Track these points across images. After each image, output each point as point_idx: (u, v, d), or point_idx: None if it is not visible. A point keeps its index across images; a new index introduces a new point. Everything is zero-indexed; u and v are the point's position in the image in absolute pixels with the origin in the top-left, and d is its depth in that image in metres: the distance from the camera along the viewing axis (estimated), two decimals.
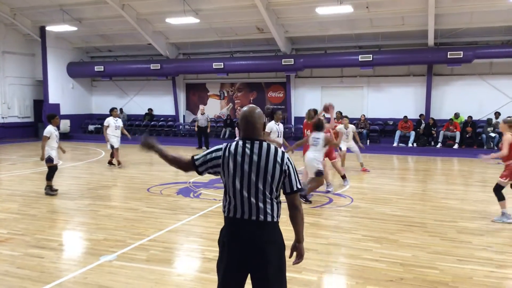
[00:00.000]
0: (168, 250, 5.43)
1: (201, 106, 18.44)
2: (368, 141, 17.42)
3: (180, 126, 21.46)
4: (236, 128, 19.70)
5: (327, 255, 5.18)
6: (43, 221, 6.67)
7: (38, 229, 6.20)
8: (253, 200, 2.72)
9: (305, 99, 19.79)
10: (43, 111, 19.95)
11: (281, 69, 18.92)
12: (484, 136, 16.12)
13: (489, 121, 16.32)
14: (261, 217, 2.73)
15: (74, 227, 6.56)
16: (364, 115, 18.08)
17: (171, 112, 22.03)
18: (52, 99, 21.02)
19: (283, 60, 18.43)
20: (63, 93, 21.68)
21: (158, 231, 6.08)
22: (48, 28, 19.88)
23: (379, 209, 7.41)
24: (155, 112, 22.29)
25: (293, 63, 18.26)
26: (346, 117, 12.22)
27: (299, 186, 2.83)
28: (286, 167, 2.76)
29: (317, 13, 15.77)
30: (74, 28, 19.05)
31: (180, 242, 5.75)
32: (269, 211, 2.74)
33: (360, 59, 17.30)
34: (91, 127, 22.06)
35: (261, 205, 2.73)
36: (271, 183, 2.73)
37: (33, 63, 22.04)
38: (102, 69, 21.29)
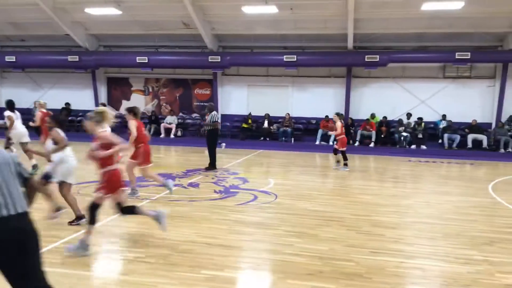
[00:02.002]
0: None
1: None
2: (292, 139, 17.93)
3: None
4: (162, 125, 19.26)
5: (250, 252, 5.24)
6: None
7: None
8: None
9: (232, 96, 19.92)
10: None
11: (207, 66, 18.81)
12: (396, 135, 17.33)
13: (400, 122, 17.57)
14: None
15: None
16: (288, 114, 18.58)
17: (91, 106, 20.91)
18: None
19: (209, 57, 18.33)
20: None
21: (74, 232, 5.75)
22: None
23: (301, 205, 7.66)
24: (73, 107, 21.06)
25: (219, 60, 18.24)
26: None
27: None
28: None
29: (243, 12, 15.90)
30: None
31: (98, 244, 5.48)
32: None
33: (285, 59, 17.74)
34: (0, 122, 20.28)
35: None
36: None
37: None
38: (14, 59, 19.67)
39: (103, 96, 21.12)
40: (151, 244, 5.38)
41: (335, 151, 12.30)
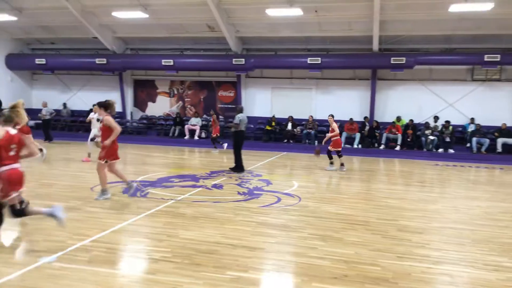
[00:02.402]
0: (112, 251, 5.26)
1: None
2: (316, 141, 17.83)
3: (127, 123, 20.87)
4: (186, 127, 19.46)
5: (274, 254, 5.24)
6: None
7: None
8: None
9: (256, 99, 19.97)
10: None
11: (231, 69, 18.93)
12: (423, 139, 17.01)
13: (427, 125, 17.25)
14: None
15: (10, 228, 6.18)
16: (312, 116, 18.49)
17: (118, 108, 21.27)
18: None
19: (234, 59, 18.45)
20: (0, 86, 20.38)
21: (101, 231, 5.87)
22: None
23: (325, 208, 7.60)
24: None
25: (243, 63, 18.33)
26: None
27: None
28: None
29: (267, 15, 15.94)
30: (14, 18, 18.00)
31: (124, 243, 5.59)
32: None
33: (309, 62, 17.68)
34: (31, 122, 20.84)
35: None
36: None
37: None
38: (44, 62, 20.27)
39: (129, 98, 21.50)
40: (176, 244, 5.44)
41: (329, 153, 12.35)
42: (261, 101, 19.92)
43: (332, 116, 12.54)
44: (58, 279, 4.30)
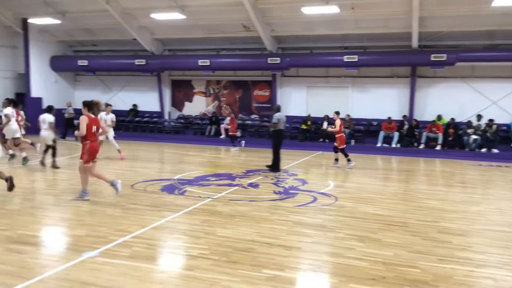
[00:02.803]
0: (152, 247, 5.40)
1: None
2: (353, 141, 17.59)
3: (165, 123, 21.32)
4: (221, 126, 19.67)
5: (310, 253, 5.22)
6: (26, 217, 6.56)
7: (20, 225, 6.10)
8: None
9: (291, 98, 19.91)
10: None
11: (267, 68, 18.96)
12: (465, 138, 16.43)
13: (469, 123, 16.64)
14: None
15: (56, 223, 6.48)
16: (348, 115, 18.24)
17: (156, 108, 21.86)
18: (34, 93, 20.67)
19: (269, 58, 18.47)
20: (45, 86, 21.32)
21: (142, 228, 6.04)
22: (30, 20, 19.55)
23: (362, 209, 7.50)
24: (140, 108, 22.09)
25: (279, 62, 18.32)
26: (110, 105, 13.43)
27: None
28: None
29: (303, 13, 15.85)
30: (58, 21, 18.76)
31: (164, 239, 5.73)
32: None
33: (345, 60, 17.45)
34: (76, 122, 21.68)
35: None
36: None
37: (15, 56, 21.60)
38: (86, 64, 21.01)
39: (167, 98, 21.96)
40: (213, 241, 5.53)
41: (335, 149, 12.54)
42: (297, 100, 19.84)
43: (338, 113, 12.77)
44: (100, 274, 4.46)
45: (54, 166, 11.08)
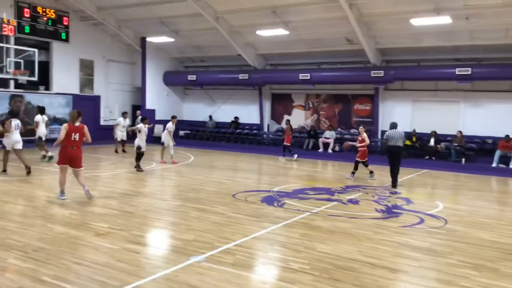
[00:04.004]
0: (253, 256, 5.52)
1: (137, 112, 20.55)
2: (463, 159, 16.27)
3: (264, 135, 21.79)
4: (320, 139, 19.52)
5: (419, 278, 4.89)
6: (139, 218, 7.14)
7: (135, 226, 6.65)
8: None
9: (394, 112, 19.02)
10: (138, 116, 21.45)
11: (369, 81, 18.45)
12: None
13: None
14: None
15: (166, 226, 6.94)
16: (460, 132, 16.90)
17: (256, 120, 22.46)
18: (148, 105, 22.55)
19: (372, 72, 17.97)
20: (158, 99, 23.15)
21: (243, 237, 6.20)
22: (148, 39, 21.45)
23: (476, 234, 6.86)
24: (241, 121, 22.88)
25: (383, 75, 17.73)
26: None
27: None
28: None
29: (411, 24, 15.17)
30: (172, 40, 20.31)
31: (264, 250, 5.81)
32: None
33: (457, 73, 16.29)
34: (181, 133, 23.23)
35: None
36: None
37: (133, 71, 23.86)
38: (195, 78, 22.41)
39: (267, 111, 22.46)
40: (313, 256, 5.46)
41: (364, 163, 12.57)
42: (400, 115, 18.89)
43: (364, 127, 13.20)
44: (206, 278, 4.65)
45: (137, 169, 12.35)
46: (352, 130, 20.14)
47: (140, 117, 18.91)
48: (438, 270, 5.19)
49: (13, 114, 11.73)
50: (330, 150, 19.26)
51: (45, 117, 13.70)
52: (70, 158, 8.19)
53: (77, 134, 8.17)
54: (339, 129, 20.44)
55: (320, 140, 19.66)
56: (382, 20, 16.12)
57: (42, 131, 13.42)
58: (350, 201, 9.23)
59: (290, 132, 17.44)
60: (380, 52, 18.45)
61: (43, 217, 7.00)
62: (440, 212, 8.39)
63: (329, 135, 19.72)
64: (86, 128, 8.36)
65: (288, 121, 18.25)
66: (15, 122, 11.08)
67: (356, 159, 12.57)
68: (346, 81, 19.36)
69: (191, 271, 4.82)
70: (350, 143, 13.68)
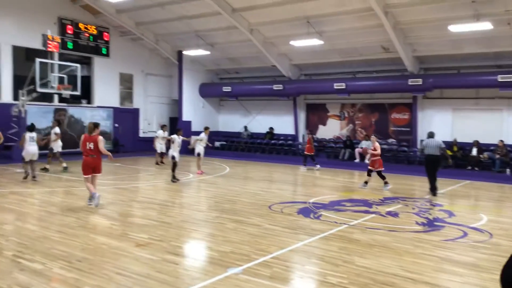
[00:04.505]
0: (290, 269, 5.48)
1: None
2: (508, 170, 15.59)
3: (299, 146, 21.70)
4: (356, 150, 19.25)
5: None
6: (177, 229, 7.26)
7: (173, 237, 6.76)
8: None
9: (434, 121, 18.53)
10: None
11: (407, 90, 18.08)
12: None
13: None
14: None
15: (204, 238, 7.01)
16: (502, 141, 16.25)
17: (291, 131, 22.43)
18: (185, 117, 23.00)
19: (409, 80, 17.60)
20: (194, 111, 23.57)
21: (280, 249, 6.18)
22: (184, 52, 21.95)
23: None
24: (276, 131, 22.90)
25: (421, 83, 17.33)
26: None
27: None
28: None
29: (449, 31, 14.79)
30: (207, 52, 20.68)
31: (301, 263, 5.76)
32: None
33: (499, 80, 15.71)
34: (217, 144, 23.49)
35: None
36: None
37: (170, 84, 24.45)
38: (230, 90, 22.68)
39: (302, 122, 22.40)
40: (352, 271, 5.37)
41: (377, 173, 12.38)
42: (440, 124, 18.39)
43: (376, 136, 13.24)
44: None
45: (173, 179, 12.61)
46: (390, 140, 19.74)
47: (160, 125, 19.31)
48: (483, 287, 4.98)
49: (28, 128, 12.44)
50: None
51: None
52: (91, 167, 8.86)
53: (92, 143, 8.78)
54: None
55: (356, 150, 19.38)
56: (419, 27, 15.81)
57: (59, 143, 14.16)
58: (389, 213, 9.02)
59: (312, 142, 17.49)
60: (418, 60, 18.07)
61: (85, 228, 7.24)
62: (484, 225, 8.06)
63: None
64: (100, 138, 8.89)
65: (310, 131, 18.33)
66: (30, 135, 12.03)
67: (369, 167, 12.55)
68: (383, 90, 19.05)
69: (228, 284, 4.85)
70: (367, 149, 13.66)
